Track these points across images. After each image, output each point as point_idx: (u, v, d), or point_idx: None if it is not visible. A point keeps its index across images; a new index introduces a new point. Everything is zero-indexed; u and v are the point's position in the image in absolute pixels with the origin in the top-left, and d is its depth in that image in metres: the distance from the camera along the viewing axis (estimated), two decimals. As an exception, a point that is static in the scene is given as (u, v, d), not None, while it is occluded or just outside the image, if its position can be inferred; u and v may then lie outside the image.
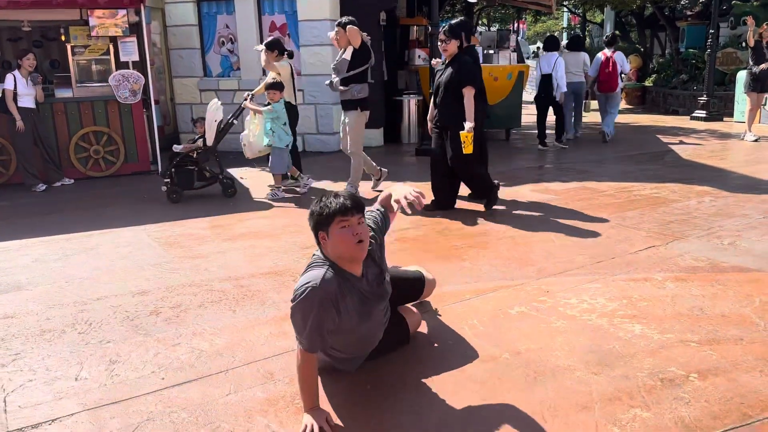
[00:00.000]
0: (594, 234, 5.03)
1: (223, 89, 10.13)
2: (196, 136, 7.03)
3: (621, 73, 10.17)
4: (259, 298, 3.90)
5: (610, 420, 2.45)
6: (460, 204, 6.19)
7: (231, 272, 4.43)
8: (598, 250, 4.61)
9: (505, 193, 6.72)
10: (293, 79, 7.24)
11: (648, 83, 17.07)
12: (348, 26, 6.12)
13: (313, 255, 2.65)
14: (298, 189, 6.99)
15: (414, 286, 3.40)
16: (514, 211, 5.88)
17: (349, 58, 6.25)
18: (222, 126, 6.81)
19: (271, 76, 6.96)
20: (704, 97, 12.98)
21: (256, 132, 6.83)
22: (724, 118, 12.78)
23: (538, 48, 27.49)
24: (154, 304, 3.86)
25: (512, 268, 4.29)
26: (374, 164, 6.94)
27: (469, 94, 5.55)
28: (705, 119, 12.74)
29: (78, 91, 8.16)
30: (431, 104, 6.04)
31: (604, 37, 11.36)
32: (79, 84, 8.22)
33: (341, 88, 6.32)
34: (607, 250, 4.62)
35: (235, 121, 7.01)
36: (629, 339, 3.15)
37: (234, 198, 6.85)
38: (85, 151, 8.10)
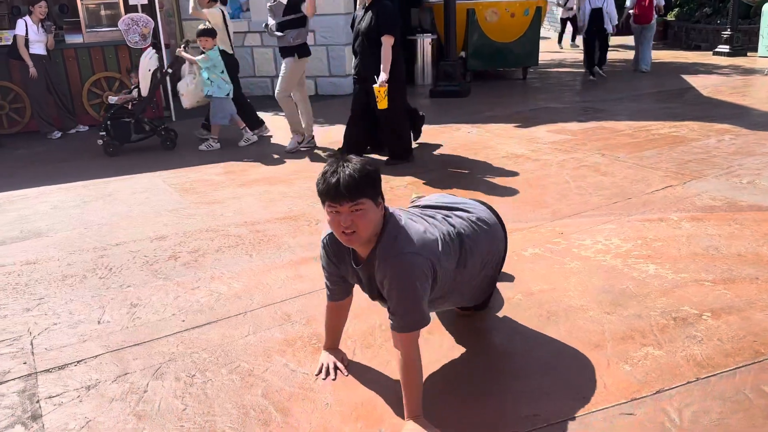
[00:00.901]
0: (610, 174, 4.98)
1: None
2: (132, 87, 6.78)
3: (656, 6, 10.78)
4: (275, 243, 3.95)
5: (622, 358, 2.48)
6: (470, 144, 6.13)
7: (247, 217, 4.47)
8: (613, 191, 4.57)
9: (521, 133, 6.64)
10: (227, 26, 6.94)
11: (670, 18, 16.49)
12: None
13: None
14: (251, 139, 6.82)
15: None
16: (529, 153, 5.81)
17: (284, 1, 5.91)
18: (159, 76, 6.60)
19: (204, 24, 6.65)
20: (728, 32, 12.54)
21: (195, 82, 6.60)
22: (748, 53, 12.38)
23: None
24: (172, 249, 3.93)
25: (526, 211, 4.28)
26: (309, 124, 6.47)
27: (387, 43, 5.13)
28: (728, 54, 12.35)
29: (88, 36, 8.08)
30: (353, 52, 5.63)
31: None
32: (89, 29, 8.12)
33: (277, 33, 6.01)
34: (622, 190, 4.58)
35: (170, 71, 6.76)
36: (643, 279, 3.16)
37: (250, 143, 6.83)
38: (98, 98, 8.08)
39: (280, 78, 6.20)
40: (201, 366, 2.61)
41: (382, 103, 5.13)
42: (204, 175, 5.64)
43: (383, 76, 5.10)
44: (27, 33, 7.25)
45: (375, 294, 2.33)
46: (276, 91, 6.26)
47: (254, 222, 4.35)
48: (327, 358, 2.54)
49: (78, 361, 2.70)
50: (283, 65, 6.16)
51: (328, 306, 2.54)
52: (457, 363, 2.54)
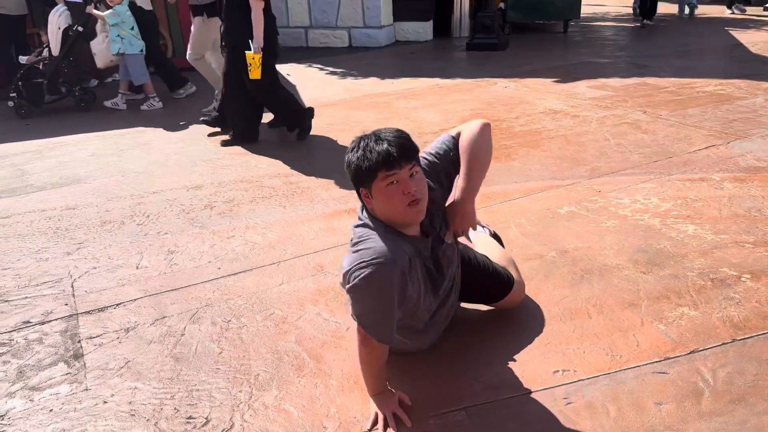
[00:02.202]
0: (651, 132, 4.84)
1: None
2: (44, 46, 6.48)
3: None
4: (308, 195, 3.96)
5: (657, 317, 2.45)
6: (507, 98, 6.01)
7: (280, 169, 4.49)
8: (654, 149, 4.45)
9: (560, 88, 6.47)
10: None
11: (721, -30, 15.73)
12: None
13: (359, 215, 2.04)
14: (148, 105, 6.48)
15: (496, 283, 2.44)
16: (568, 108, 5.68)
17: None
18: (70, 34, 6.23)
19: None
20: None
21: (107, 40, 6.36)
22: (804, 9, 11.79)
23: None
24: (208, 199, 3.97)
25: (563, 168, 4.20)
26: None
27: (257, 6, 4.61)
28: (782, 9, 11.78)
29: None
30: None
31: None
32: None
33: None
34: (664, 149, 4.45)
35: (80, 29, 6.26)
36: (681, 239, 3.09)
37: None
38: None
39: (191, 38, 5.86)
40: (236, 312, 2.67)
41: (255, 73, 4.65)
42: (238, 126, 5.65)
43: (256, 44, 4.61)
44: None
45: (445, 255, 2.12)
46: (187, 54, 5.92)
47: (287, 174, 4.36)
48: (383, 406, 2.00)
49: (117, 304, 2.78)
50: (192, 25, 5.82)
51: (378, 350, 1.98)
52: (486, 318, 2.54)
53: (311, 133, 5.29)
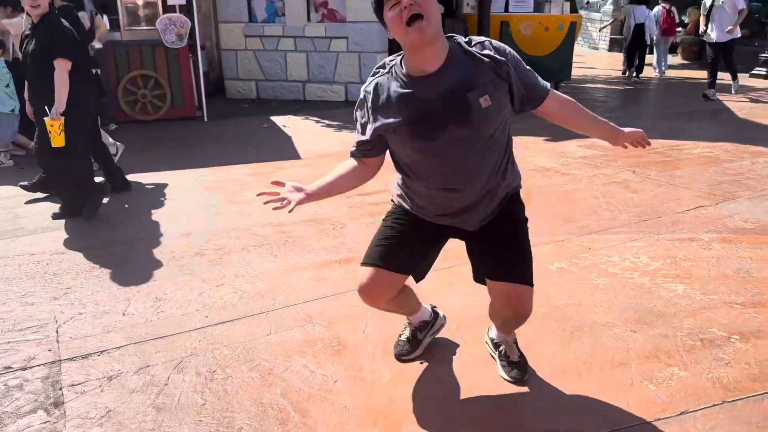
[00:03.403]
0: (640, 192, 4.91)
1: (267, 35, 10.07)
2: None
3: (677, 22, 12.63)
4: (300, 245, 3.96)
5: (647, 377, 2.44)
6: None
7: (272, 218, 4.47)
8: (644, 209, 4.50)
9: (551, 147, 6.58)
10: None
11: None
12: None
13: None
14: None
15: (522, 262, 2.22)
16: (559, 167, 5.76)
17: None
18: None
19: None
20: (765, 54, 12.32)
21: None
22: (787, 76, 12.15)
23: None
24: (199, 246, 3.97)
25: (555, 224, 4.24)
26: (110, 140, 5.95)
27: (61, 67, 4.22)
28: (765, 77, 12.13)
29: (126, 34, 8.23)
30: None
31: None
32: (127, 27, 8.28)
33: None
34: (653, 208, 4.51)
35: None
36: (671, 298, 3.10)
37: (276, 146, 6.88)
38: (133, 95, 8.22)
39: None
40: (222, 362, 2.63)
41: (57, 140, 4.23)
42: (232, 175, 5.69)
43: (57, 107, 4.19)
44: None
45: (454, 112, 1.96)
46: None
47: (280, 223, 4.37)
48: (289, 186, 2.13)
49: (101, 351, 2.74)
50: None
51: (350, 166, 2.19)
52: (476, 373, 2.52)
53: (304, 180, 5.32)
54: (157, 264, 3.70)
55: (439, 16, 1.90)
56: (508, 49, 2.07)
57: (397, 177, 2.27)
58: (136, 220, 4.52)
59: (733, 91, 9.67)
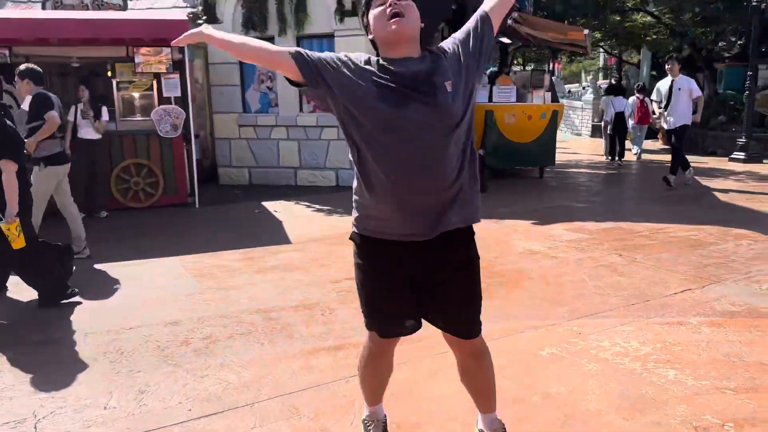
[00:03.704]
0: (628, 275, 4.94)
1: (261, 125, 10.36)
2: None
3: (652, 111, 12.50)
4: (288, 332, 3.92)
5: (642, 468, 2.38)
6: (487, 239, 6.16)
7: (261, 304, 4.47)
8: (631, 292, 4.52)
9: (539, 230, 6.67)
10: None
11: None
12: (22, 77, 5.40)
13: None
14: None
15: (472, 311, 2.32)
16: (546, 250, 5.82)
17: (27, 108, 5.49)
18: None
19: None
20: (743, 139, 12.77)
21: None
22: (764, 160, 12.53)
23: (584, 88, 31.14)
24: (185, 335, 3.91)
25: (544, 308, 4.24)
26: (82, 236, 5.90)
27: (8, 170, 4.17)
28: (744, 161, 12.51)
29: (121, 124, 8.44)
30: None
31: (636, 86, 14.16)
32: (122, 118, 8.51)
33: (28, 140, 5.38)
34: (641, 292, 4.53)
35: None
36: (662, 384, 3.07)
37: (267, 231, 6.94)
38: (126, 183, 8.33)
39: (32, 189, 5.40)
40: (204, 457, 2.54)
41: (18, 242, 4.20)
42: (222, 261, 5.69)
43: (10, 211, 4.15)
44: (75, 118, 7.58)
45: (429, 90, 2.07)
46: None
47: (268, 309, 4.34)
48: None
49: (80, 447, 2.65)
50: (32, 175, 5.42)
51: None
52: (468, 466, 2.44)
53: (294, 269, 5.34)
54: (142, 354, 3.64)
55: (418, 24, 2.15)
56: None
57: (355, 191, 2.24)
58: (121, 309, 4.47)
59: (688, 180, 9.43)
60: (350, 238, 2.29)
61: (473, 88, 2.19)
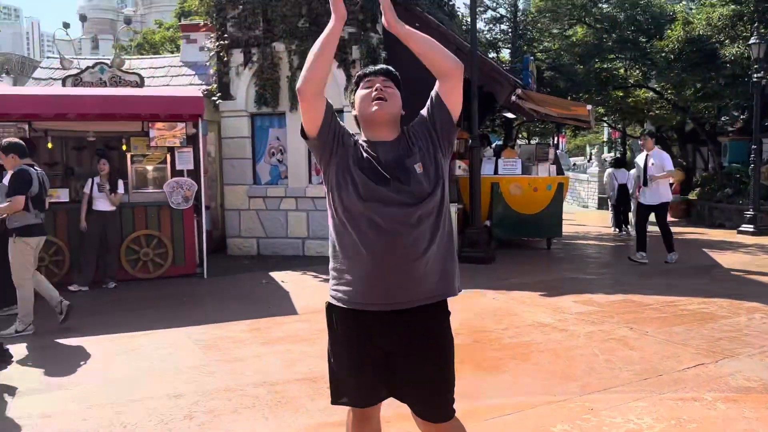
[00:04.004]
0: (639, 349, 4.86)
1: (270, 196, 10.52)
2: None
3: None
4: (293, 405, 3.86)
5: None
6: (495, 310, 6.11)
7: (266, 377, 4.41)
8: (644, 366, 4.44)
9: (547, 302, 6.62)
10: None
11: (692, 197, 16.99)
12: (6, 152, 5.64)
13: None
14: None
15: (442, 390, 2.28)
16: (556, 322, 5.76)
17: (7, 182, 5.69)
18: None
19: None
20: (750, 212, 12.81)
21: None
22: (773, 233, 12.51)
23: (589, 160, 32.38)
24: (189, 408, 3.85)
25: (554, 383, 4.16)
26: (54, 295, 5.89)
27: None
28: (753, 233, 12.50)
29: (133, 196, 8.59)
30: None
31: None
32: (135, 190, 8.67)
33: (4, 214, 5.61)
34: (653, 366, 4.45)
35: None
36: (679, 463, 2.97)
37: (274, 302, 6.92)
38: (135, 254, 8.39)
39: (11, 263, 5.69)
40: None
41: None
42: (228, 332, 5.66)
43: None
44: (91, 190, 7.77)
45: (401, 176, 2.19)
46: (13, 277, 5.70)
47: (273, 382, 4.28)
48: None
49: None
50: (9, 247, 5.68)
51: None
52: None
53: (300, 341, 5.29)
54: (145, 428, 3.57)
55: (399, 110, 2.32)
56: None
57: (330, 258, 2.30)
58: (126, 381, 4.42)
59: (671, 261, 9.05)
60: (325, 308, 2.33)
61: (441, 163, 2.29)
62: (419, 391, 2.23)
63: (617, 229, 13.59)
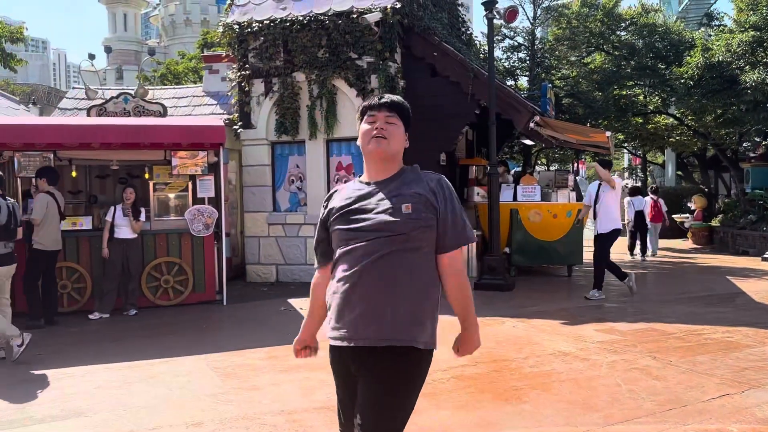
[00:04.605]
0: (663, 379, 4.77)
1: (289, 223, 10.59)
2: None
3: (665, 211, 14.51)
4: (311, 435, 3.83)
5: None
6: (515, 338, 6.04)
7: (284, 405, 4.39)
8: (667, 397, 4.35)
9: (568, 330, 6.53)
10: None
11: (715, 223, 16.75)
12: None
13: None
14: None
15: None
16: (577, 351, 5.67)
17: None
18: None
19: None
20: (775, 238, 12.59)
21: None
22: (799, 260, 12.27)
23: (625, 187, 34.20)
24: (207, 436, 3.84)
25: (576, 414, 4.09)
26: (8, 334, 5.79)
27: None
28: (778, 260, 12.27)
29: (155, 224, 8.70)
30: None
31: (649, 187, 16.27)
32: (157, 217, 8.79)
33: None
34: (677, 396, 4.35)
35: None
36: (705, 498, 2.89)
37: (292, 329, 6.89)
38: (156, 281, 8.47)
39: None
40: None
41: None
42: (247, 360, 5.66)
43: None
44: (114, 218, 7.90)
45: (386, 209, 2.24)
46: None
47: (291, 411, 4.26)
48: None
49: None
50: None
51: (316, 278, 2.51)
52: None
53: (319, 369, 5.27)
54: (163, 455, 3.57)
55: (400, 148, 2.37)
56: (448, 191, 2.34)
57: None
58: (145, 409, 4.43)
59: (591, 297, 8.46)
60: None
61: (430, 224, 2.26)
62: (361, 422, 2.28)
63: (630, 254, 14.02)
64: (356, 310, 2.22)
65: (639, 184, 24.15)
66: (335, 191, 2.44)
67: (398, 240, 2.21)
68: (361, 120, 2.40)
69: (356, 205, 2.29)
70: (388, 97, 2.40)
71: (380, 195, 2.28)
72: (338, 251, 2.30)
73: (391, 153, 2.33)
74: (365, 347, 2.22)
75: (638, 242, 13.79)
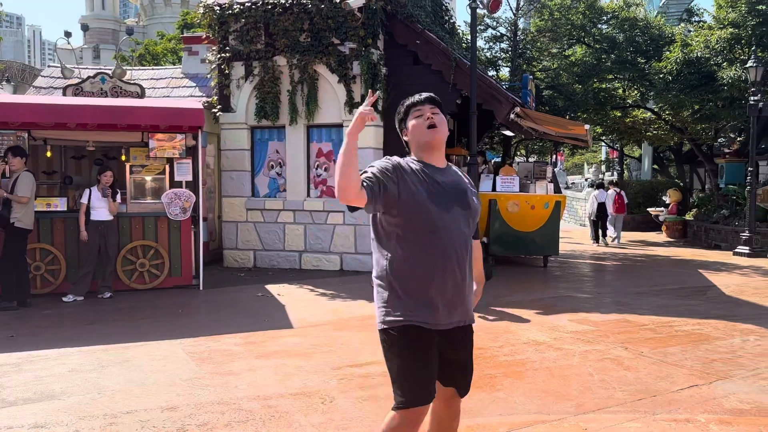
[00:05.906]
0: (634, 369, 4.86)
1: (268, 208, 10.54)
2: None
3: (626, 203, 16.06)
4: (286, 420, 3.85)
5: None
6: (491, 327, 6.11)
7: (260, 391, 4.40)
8: (638, 387, 4.44)
9: (543, 320, 6.62)
10: None
11: (689, 217, 17.03)
12: None
13: None
14: None
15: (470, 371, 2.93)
16: (551, 341, 5.76)
17: None
18: None
19: None
20: (746, 233, 12.85)
21: None
22: (769, 255, 12.55)
23: (586, 179, 34.41)
24: (182, 421, 3.84)
25: (549, 402, 4.15)
26: None
27: None
28: (748, 255, 12.53)
29: (131, 206, 8.59)
30: None
31: (610, 181, 17.23)
32: (133, 200, 8.68)
33: None
34: (647, 387, 4.45)
35: None
36: (672, 486, 2.96)
37: (269, 315, 6.91)
38: (132, 264, 8.38)
39: None
40: None
41: None
42: (223, 345, 5.64)
43: None
44: (90, 200, 7.78)
45: (460, 195, 2.54)
46: None
47: (267, 396, 4.27)
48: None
49: None
50: None
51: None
52: None
53: (295, 355, 5.28)
54: (137, 440, 3.55)
55: (447, 135, 2.59)
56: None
57: (386, 286, 2.54)
58: (119, 393, 4.40)
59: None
60: (384, 332, 2.53)
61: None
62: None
63: (595, 242, 15.27)
64: (446, 305, 2.51)
65: (615, 177, 24.64)
66: (399, 162, 2.51)
67: (474, 228, 2.58)
68: (406, 119, 2.59)
69: (438, 188, 2.49)
70: (427, 93, 2.62)
71: (452, 182, 2.55)
72: (418, 231, 2.44)
73: (443, 140, 2.57)
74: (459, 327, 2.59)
75: (600, 230, 15.37)
